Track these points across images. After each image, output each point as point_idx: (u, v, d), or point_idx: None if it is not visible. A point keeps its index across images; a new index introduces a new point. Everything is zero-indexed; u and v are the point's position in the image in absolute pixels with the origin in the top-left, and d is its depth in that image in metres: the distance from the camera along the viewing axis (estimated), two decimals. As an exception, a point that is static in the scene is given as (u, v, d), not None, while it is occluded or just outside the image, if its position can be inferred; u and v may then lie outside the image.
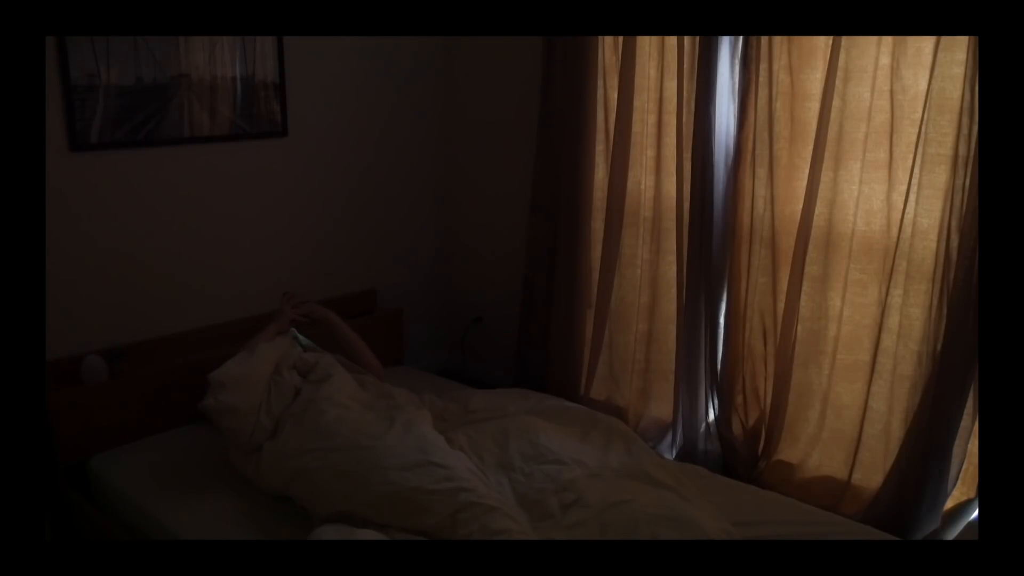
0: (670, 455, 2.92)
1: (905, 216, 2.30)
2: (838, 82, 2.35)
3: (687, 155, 2.70)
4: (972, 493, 2.35)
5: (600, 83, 2.93)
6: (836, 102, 2.37)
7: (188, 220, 2.80)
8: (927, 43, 2.21)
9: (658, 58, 2.76)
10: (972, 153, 2.13)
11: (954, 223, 2.18)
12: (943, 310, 2.24)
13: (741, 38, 2.54)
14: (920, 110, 2.23)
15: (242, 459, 2.34)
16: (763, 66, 2.48)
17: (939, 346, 2.26)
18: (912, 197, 2.28)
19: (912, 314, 2.33)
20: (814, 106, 2.44)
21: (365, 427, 2.25)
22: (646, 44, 2.79)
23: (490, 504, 1.97)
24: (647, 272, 2.94)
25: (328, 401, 2.35)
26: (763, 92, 2.50)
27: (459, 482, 2.03)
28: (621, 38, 2.83)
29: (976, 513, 2.37)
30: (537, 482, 2.18)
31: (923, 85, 2.22)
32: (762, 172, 2.55)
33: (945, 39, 2.14)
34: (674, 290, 2.84)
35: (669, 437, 2.94)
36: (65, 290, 2.52)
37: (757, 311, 2.66)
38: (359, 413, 2.34)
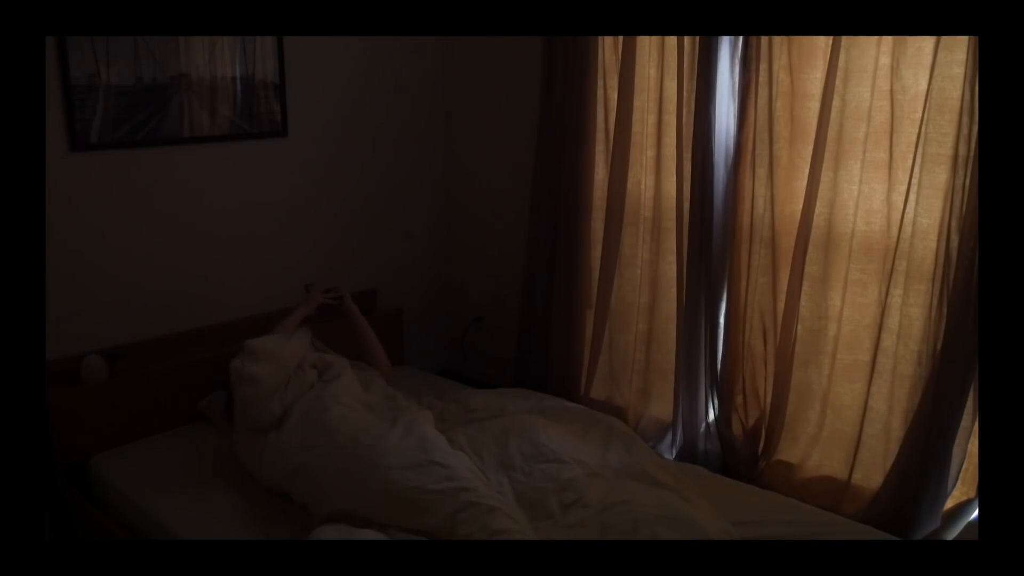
0: (670, 455, 2.92)
1: (905, 216, 2.30)
2: (838, 82, 2.35)
3: (687, 155, 2.70)
4: (972, 493, 2.35)
5: (600, 83, 2.93)
6: (836, 102, 2.37)
7: (188, 220, 2.80)
8: (927, 43, 2.21)
9: (658, 58, 2.76)
10: (972, 153, 2.12)
11: (954, 223, 2.18)
12: (943, 310, 2.24)
13: (741, 38, 2.54)
14: (920, 110, 2.23)
15: (246, 444, 2.35)
16: (763, 66, 2.48)
17: (939, 346, 2.26)
18: (912, 197, 2.28)
19: (912, 314, 2.33)
20: (814, 106, 2.44)
21: (367, 427, 2.25)
22: (646, 44, 2.79)
23: (490, 504, 1.98)
24: (647, 272, 2.94)
25: (334, 399, 2.37)
26: (763, 92, 2.50)
27: (460, 482, 2.03)
28: (621, 38, 2.82)
29: (976, 513, 2.37)
30: (537, 481, 2.18)
31: (923, 85, 2.22)
32: (762, 172, 2.55)
33: (945, 39, 2.14)
34: (674, 290, 2.84)
35: (669, 437, 2.94)
36: (65, 290, 2.52)
37: (757, 311, 2.66)
38: (362, 414, 2.36)
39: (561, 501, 2.11)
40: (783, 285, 2.59)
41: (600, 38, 2.89)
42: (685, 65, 2.65)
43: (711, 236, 2.67)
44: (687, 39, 2.63)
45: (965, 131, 2.12)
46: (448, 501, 1.98)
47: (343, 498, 2.08)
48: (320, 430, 2.25)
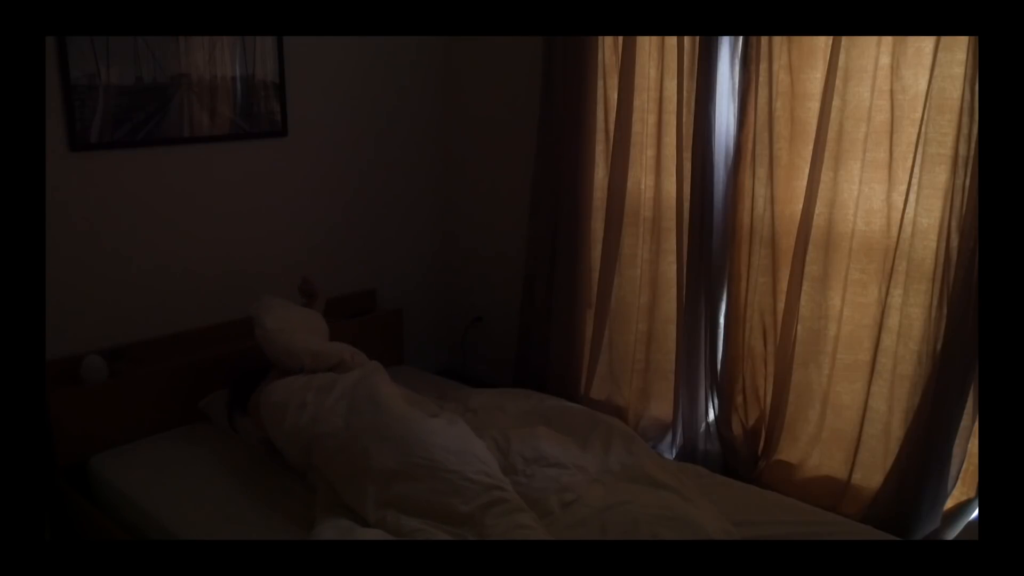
0: (670, 455, 2.92)
1: (905, 216, 2.30)
2: (838, 82, 2.35)
3: (687, 155, 2.70)
4: (972, 493, 2.35)
5: (600, 83, 2.93)
6: (836, 102, 2.37)
7: (188, 220, 2.80)
8: (927, 43, 2.21)
9: (658, 58, 2.76)
10: (972, 153, 2.13)
11: (954, 223, 2.18)
12: (943, 310, 2.24)
13: (741, 38, 2.54)
14: (920, 110, 2.23)
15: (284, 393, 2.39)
16: (763, 66, 2.48)
17: (939, 346, 2.26)
18: (912, 197, 2.28)
19: (912, 314, 2.33)
20: (814, 106, 2.44)
21: (413, 411, 2.33)
22: (646, 44, 2.79)
23: (518, 505, 2.04)
24: (647, 272, 2.94)
25: (385, 384, 2.44)
26: (763, 92, 2.50)
27: (495, 480, 2.10)
28: (621, 38, 2.82)
29: (976, 513, 2.37)
30: (538, 482, 2.19)
31: (923, 85, 2.22)
32: (762, 172, 2.55)
33: (945, 39, 2.14)
34: (674, 290, 2.84)
35: (669, 437, 2.94)
36: (65, 290, 2.52)
37: (757, 311, 2.66)
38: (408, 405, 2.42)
39: (561, 500, 2.13)
40: (783, 285, 2.59)
41: (600, 38, 2.89)
42: (685, 65, 2.65)
43: (711, 236, 2.67)
44: (687, 39, 2.63)
45: (965, 131, 2.12)
46: (483, 494, 2.03)
47: (382, 465, 2.09)
48: (369, 399, 2.32)
